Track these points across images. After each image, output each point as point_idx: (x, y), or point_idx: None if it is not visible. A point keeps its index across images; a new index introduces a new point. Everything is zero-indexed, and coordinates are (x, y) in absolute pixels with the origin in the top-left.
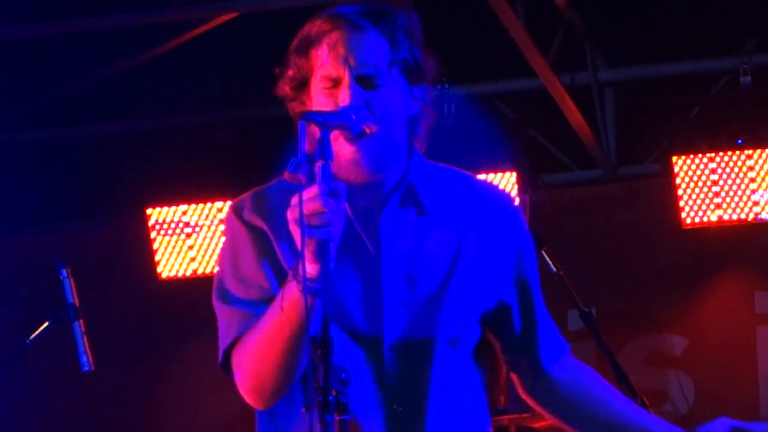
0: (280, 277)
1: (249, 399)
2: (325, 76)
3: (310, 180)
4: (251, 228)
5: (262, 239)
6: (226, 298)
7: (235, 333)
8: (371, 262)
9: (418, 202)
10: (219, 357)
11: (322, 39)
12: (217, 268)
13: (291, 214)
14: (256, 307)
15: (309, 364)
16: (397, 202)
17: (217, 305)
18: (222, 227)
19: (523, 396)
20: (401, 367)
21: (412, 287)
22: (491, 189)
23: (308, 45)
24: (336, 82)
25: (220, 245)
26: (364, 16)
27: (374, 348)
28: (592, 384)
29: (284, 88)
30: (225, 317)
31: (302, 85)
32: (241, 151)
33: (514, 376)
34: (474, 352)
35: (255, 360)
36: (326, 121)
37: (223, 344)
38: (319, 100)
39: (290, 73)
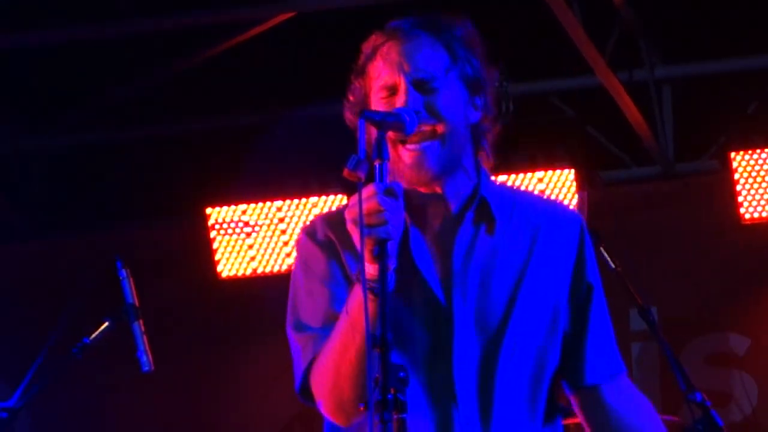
0: (349, 288)
1: (334, 417)
2: (382, 86)
3: (369, 179)
4: (323, 245)
5: (333, 252)
6: (299, 326)
7: (310, 355)
8: (444, 286)
9: (491, 216)
10: (296, 385)
11: (377, 52)
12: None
13: (349, 214)
14: (329, 330)
15: (368, 362)
16: (472, 219)
17: (291, 333)
18: (282, 226)
19: (576, 411)
20: (473, 391)
21: (481, 315)
22: (558, 207)
23: (365, 63)
24: (393, 90)
25: (280, 244)
26: (418, 26)
27: (442, 377)
28: (640, 421)
29: (347, 115)
30: (299, 344)
31: (363, 106)
32: (298, 150)
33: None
34: (553, 378)
35: (331, 372)
36: (383, 120)
37: (298, 369)
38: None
39: (351, 98)
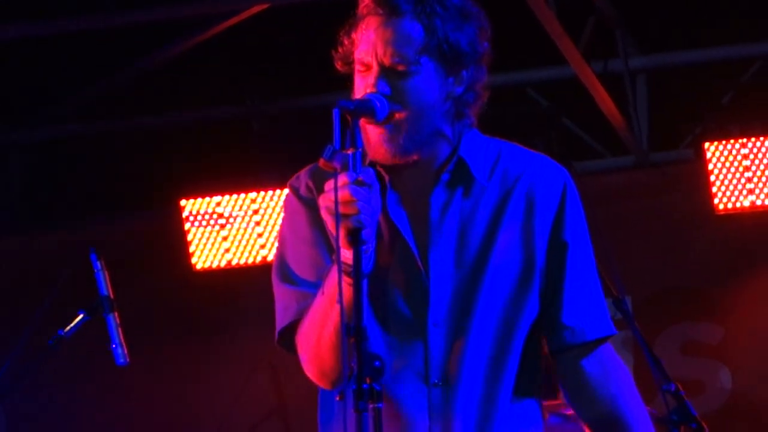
0: (332, 252)
1: (316, 380)
2: (359, 59)
3: (345, 168)
4: (308, 203)
5: (315, 210)
6: (286, 276)
7: (292, 314)
8: (419, 243)
9: (469, 175)
10: (276, 335)
11: (361, 21)
12: (276, 245)
13: (322, 201)
14: (314, 288)
15: (344, 353)
16: (447, 180)
17: (276, 283)
18: (256, 218)
19: (560, 381)
20: (442, 342)
21: (458, 265)
22: (544, 162)
23: (352, 25)
24: (368, 67)
25: (254, 236)
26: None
27: (417, 324)
28: (616, 390)
29: (336, 65)
30: (283, 297)
31: (348, 63)
32: (274, 142)
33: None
34: (530, 333)
35: (313, 343)
36: (355, 109)
37: (279, 324)
38: (355, 81)
39: (340, 50)
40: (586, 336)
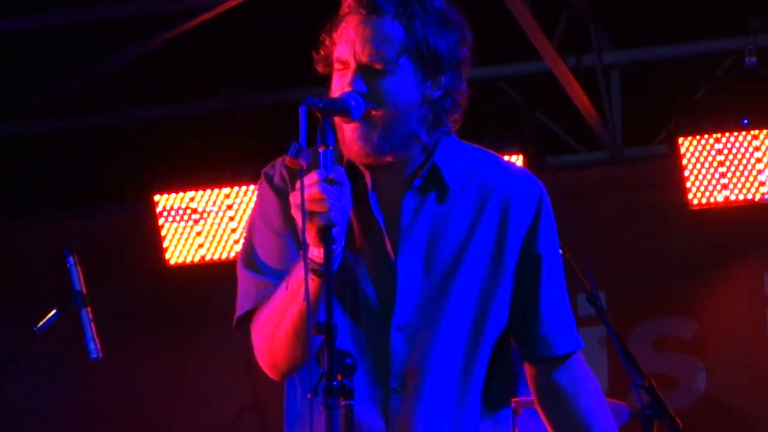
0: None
1: (265, 369)
2: (337, 57)
3: (313, 166)
4: (280, 193)
5: (287, 199)
6: (250, 262)
7: (251, 302)
8: (390, 244)
9: (443, 182)
10: (234, 319)
11: (342, 20)
12: (244, 233)
13: (293, 199)
14: (277, 277)
15: (313, 349)
16: (419, 185)
17: (240, 268)
18: (230, 213)
19: (530, 387)
20: (405, 348)
21: (427, 271)
22: (520, 173)
23: (333, 25)
24: (346, 65)
25: (228, 231)
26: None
27: (381, 327)
28: (586, 404)
29: (318, 67)
30: (245, 283)
31: (329, 64)
32: (249, 137)
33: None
34: (498, 343)
35: (268, 335)
36: (326, 107)
37: (239, 310)
38: (333, 80)
39: (321, 52)
40: (560, 350)
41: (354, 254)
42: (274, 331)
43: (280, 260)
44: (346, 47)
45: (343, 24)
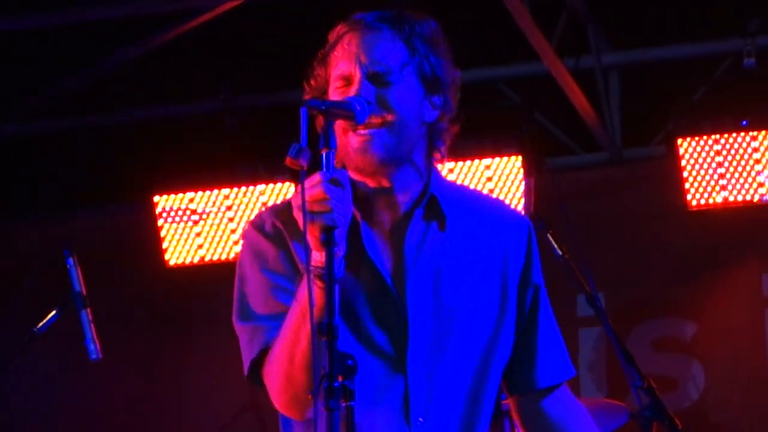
0: (299, 279)
1: (288, 411)
2: (339, 75)
3: (313, 168)
4: (272, 236)
5: (282, 243)
6: (246, 315)
7: (260, 345)
8: (395, 278)
9: (441, 214)
10: (245, 372)
11: (338, 43)
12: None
13: (295, 201)
14: (277, 321)
15: (314, 350)
16: (421, 216)
17: (238, 324)
18: (230, 214)
19: (516, 419)
20: (423, 381)
21: (436, 304)
22: (507, 209)
23: (327, 51)
24: (348, 81)
25: (227, 232)
26: (381, 20)
27: (398, 363)
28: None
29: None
30: (247, 333)
31: (324, 93)
32: (249, 137)
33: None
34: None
35: (285, 364)
36: (329, 109)
37: (247, 358)
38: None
39: (312, 83)
40: (554, 379)
41: (358, 290)
42: (291, 356)
43: (276, 304)
44: (349, 61)
45: (341, 45)
